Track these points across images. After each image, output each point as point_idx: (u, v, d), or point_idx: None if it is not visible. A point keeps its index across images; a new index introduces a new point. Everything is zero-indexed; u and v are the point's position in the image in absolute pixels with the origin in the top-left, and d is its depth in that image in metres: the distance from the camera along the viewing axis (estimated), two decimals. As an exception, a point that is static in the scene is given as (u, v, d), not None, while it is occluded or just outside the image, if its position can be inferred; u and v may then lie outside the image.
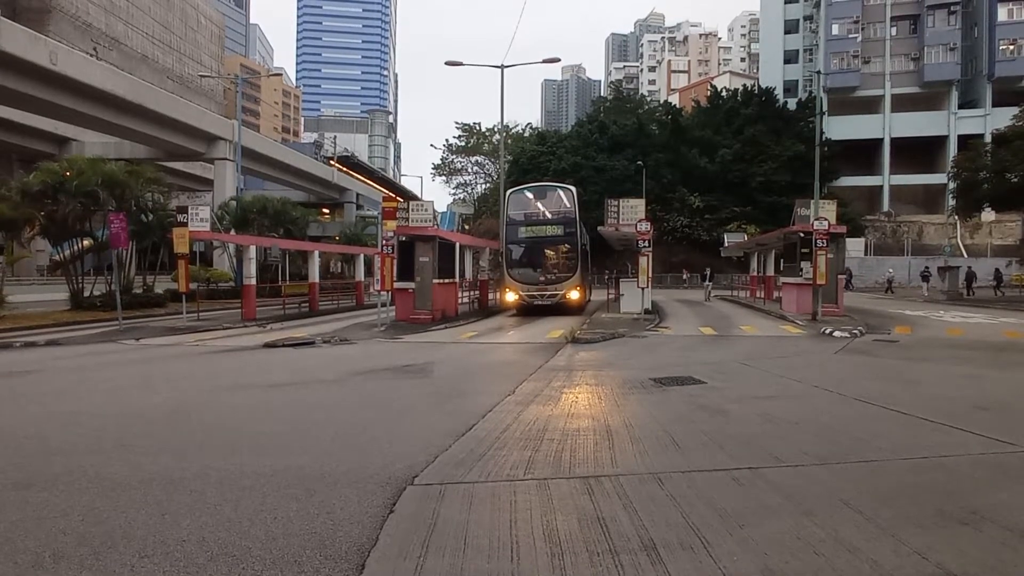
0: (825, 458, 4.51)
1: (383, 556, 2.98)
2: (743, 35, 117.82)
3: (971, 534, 3.18)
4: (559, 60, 26.04)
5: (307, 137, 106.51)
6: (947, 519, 3.37)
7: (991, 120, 45.48)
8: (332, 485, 3.96)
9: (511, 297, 19.61)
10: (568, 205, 20.12)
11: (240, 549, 3.05)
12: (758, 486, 3.92)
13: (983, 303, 23.20)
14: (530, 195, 21.29)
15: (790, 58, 58.68)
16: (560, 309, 19.05)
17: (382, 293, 16.25)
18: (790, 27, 58.66)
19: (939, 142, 50.05)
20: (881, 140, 51.16)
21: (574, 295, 19.20)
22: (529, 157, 52.95)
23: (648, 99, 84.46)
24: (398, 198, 26.92)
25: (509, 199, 21.23)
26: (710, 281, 28.36)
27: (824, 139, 39.70)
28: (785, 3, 58.67)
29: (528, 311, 19.35)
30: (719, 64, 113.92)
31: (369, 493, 3.81)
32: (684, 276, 43.77)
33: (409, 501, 3.70)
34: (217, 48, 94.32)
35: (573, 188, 21.06)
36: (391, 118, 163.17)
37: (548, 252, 19.86)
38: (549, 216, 20.26)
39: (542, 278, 19.34)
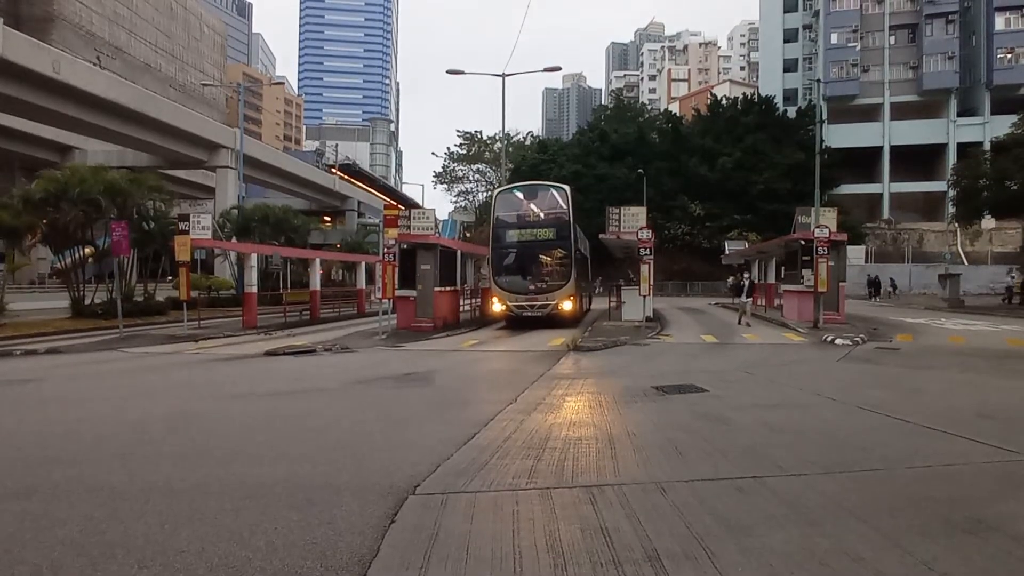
0: (829, 467, 4.48)
1: (385, 567, 2.96)
2: (743, 44, 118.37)
3: (977, 543, 3.15)
4: (560, 69, 26.15)
5: (309, 145, 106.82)
6: (953, 529, 3.34)
7: (990, 128, 45.65)
8: (333, 495, 3.94)
9: (498, 307, 17.91)
10: (562, 206, 18.32)
11: (240, 560, 3.03)
12: (762, 495, 3.89)
13: (986, 310, 23.17)
14: (520, 195, 19.40)
15: (789, 67, 59.02)
16: (552, 322, 17.30)
17: (383, 301, 16.25)
18: (789, 36, 59.04)
19: (938, 150, 50.23)
20: (881, 148, 51.36)
21: (567, 306, 17.45)
22: (530, 165, 53.11)
23: (648, 107, 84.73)
24: (399, 206, 26.97)
25: (497, 199, 19.47)
26: (748, 297, 19.16)
27: (824, 147, 39.72)
28: (784, 12, 59.10)
29: (517, 323, 17.71)
30: (719, 73, 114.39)
31: (370, 503, 3.78)
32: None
33: (411, 511, 3.67)
34: (219, 57, 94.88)
35: (567, 188, 19.09)
36: (392, 126, 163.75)
37: (539, 258, 18.24)
38: (540, 218, 18.48)
39: (532, 287, 17.54)
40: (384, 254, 15.82)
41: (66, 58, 30.80)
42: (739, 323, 17.93)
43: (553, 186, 20.14)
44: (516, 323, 17.69)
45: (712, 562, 2.94)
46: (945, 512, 3.58)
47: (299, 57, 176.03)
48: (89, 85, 30.52)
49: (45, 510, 3.74)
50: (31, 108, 30.14)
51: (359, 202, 64.46)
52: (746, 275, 20.13)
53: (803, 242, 16.78)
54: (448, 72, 25.14)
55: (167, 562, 3.01)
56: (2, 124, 36.21)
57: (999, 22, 47.75)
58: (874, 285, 31.25)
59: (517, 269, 18.14)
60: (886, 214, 50.59)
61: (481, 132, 70.39)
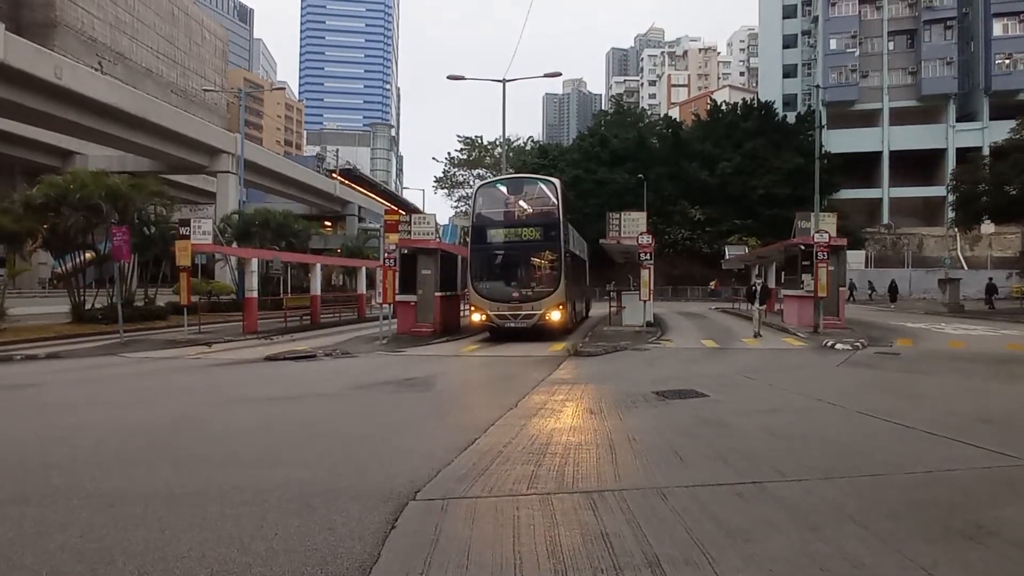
0: (829, 472, 4.48)
1: (385, 572, 2.96)
2: (742, 49, 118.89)
3: (977, 549, 3.16)
4: (560, 74, 26.20)
5: (310, 150, 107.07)
6: (953, 534, 3.34)
7: (989, 133, 45.77)
8: (333, 500, 3.94)
9: (477, 317, 15.78)
10: (552, 201, 16.22)
11: (240, 566, 3.03)
12: (763, 501, 3.89)
13: (986, 315, 23.16)
14: (503, 189, 17.36)
15: (789, 72, 59.15)
16: (539, 333, 15.35)
17: (384, 306, 16.25)
18: (788, 42, 59.20)
19: (938, 155, 50.32)
20: (880, 153, 51.44)
21: (555, 316, 15.33)
22: (531, 170, 53.13)
23: (649, 113, 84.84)
24: (400, 211, 26.94)
25: (478, 194, 17.34)
26: (761, 304, 16.36)
27: (823, 152, 39.81)
28: (783, 18, 59.29)
29: (500, 335, 15.77)
30: (719, 78, 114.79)
31: (371, 508, 3.78)
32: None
33: (411, 516, 3.67)
34: (221, 62, 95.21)
35: (557, 181, 16.89)
36: (393, 131, 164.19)
37: (524, 261, 16.25)
38: (527, 215, 16.45)
39: (516, 294, 15.51)
40: (385, 259, 15.84)
41: (68, 63, 30.88)
42: (756, 335, 15.66)
43: (541, 179, 18.13)
44: (499, 335, 15.79)
45: (712, 568, 2.94)
46: (945, 517, 3.58)
47: (300, 62, 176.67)
48: (91, 90, 30.60)
49: (44, 515, 3.74)
50: (33, 113, 30.20)
51: (360, 207, 64.55)
52: (757, 280, 17.66)
53: (803, 247, 16.80)
54: (449, 78, 25.15)
55: (167, 568, 3.01)
56: (4, 129, 36.31)
57: (997, 28, 47.92)
58: (892, 291, 30.93)
59: (499, 273, 16.24)
60: (886, 219, 50.66)
61: (482, 137, 70.44)
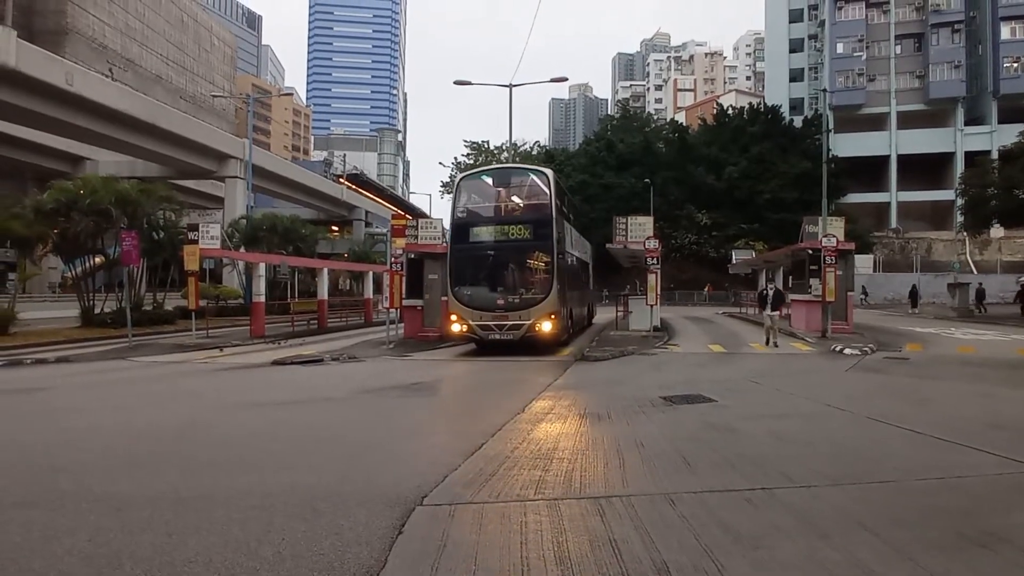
0: (839, 479, 4.45)
1: (392, 578, 2.95)
2: (748, 54, 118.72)
3: (989, 557, 3.12)
4: (567, 79, 26.29)
5: (317, 155, 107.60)
6: (965, 541, 3.30)
7: (997, 136, 45.50)
8: (340, 505, 3.93)
9: (457, 328, 13.70)
10: (544, 195, 14.18)
11: (247, 570, 3.03)
12: (771, 507, 3.86)
13: (996, 319, 22.95)
14: (489, 181, 15.48)
15: (795, 76, 59.10)
16: (529, 347, 13.44)
17: (391, 310, 16.28)
18: (795, 46, 59.19)
19: (946, 159, 50.05)
20: (888, 157, 51.23)
21: (547, 326, 13.21)
22: (537, 175, 53.23)
23: (655, 117, 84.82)
24: (407, 216, 26.95)
25: (460, 187, 15.09)
26: (775, 310, 14.76)
27: (831, 156, 39.68)
28: (790, 22, 59.32)
29: (485, 348, 13.99)
30: (725, 83, 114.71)
31: (378, 514, 3.77)
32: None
33: (418, 522, 3.66)
34: (229, 68, 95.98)
35: (550, 172, 14.84)
36: (400, 136, 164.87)
37: (511, 263, 14.14)
38: (515, 212, 14.56)
39: (501, 301, 13.50)
40: (392, 263, 15.89)
41: (79, 70, 31.22)
42: (767, 343, 14.58)
43: (532, 170, 16.29)
44: (484, 348, 14.02)
45: (721, 574, 2.92)
46: (956, 524, 3.54)
47: (307, 68, 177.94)
48: (101, 97, 30.90)
49: (53, 519, 3.75)
50: (44, 119, 30.54)
51: (367, 212, 64.75)
52: (770, 284, 16.28)
53: (811, 251, 16.74)
54: (455, 83, 25.21)
55: (175, 572, 3.01)
56: (15, 135, 36.69)
57: (1004, 31, 47.75)
58: (912, 296, 30.75)
59: (483, 277, 14.25)
60: (894, 223, 50.39)
61: (488, 142, 70.47)
